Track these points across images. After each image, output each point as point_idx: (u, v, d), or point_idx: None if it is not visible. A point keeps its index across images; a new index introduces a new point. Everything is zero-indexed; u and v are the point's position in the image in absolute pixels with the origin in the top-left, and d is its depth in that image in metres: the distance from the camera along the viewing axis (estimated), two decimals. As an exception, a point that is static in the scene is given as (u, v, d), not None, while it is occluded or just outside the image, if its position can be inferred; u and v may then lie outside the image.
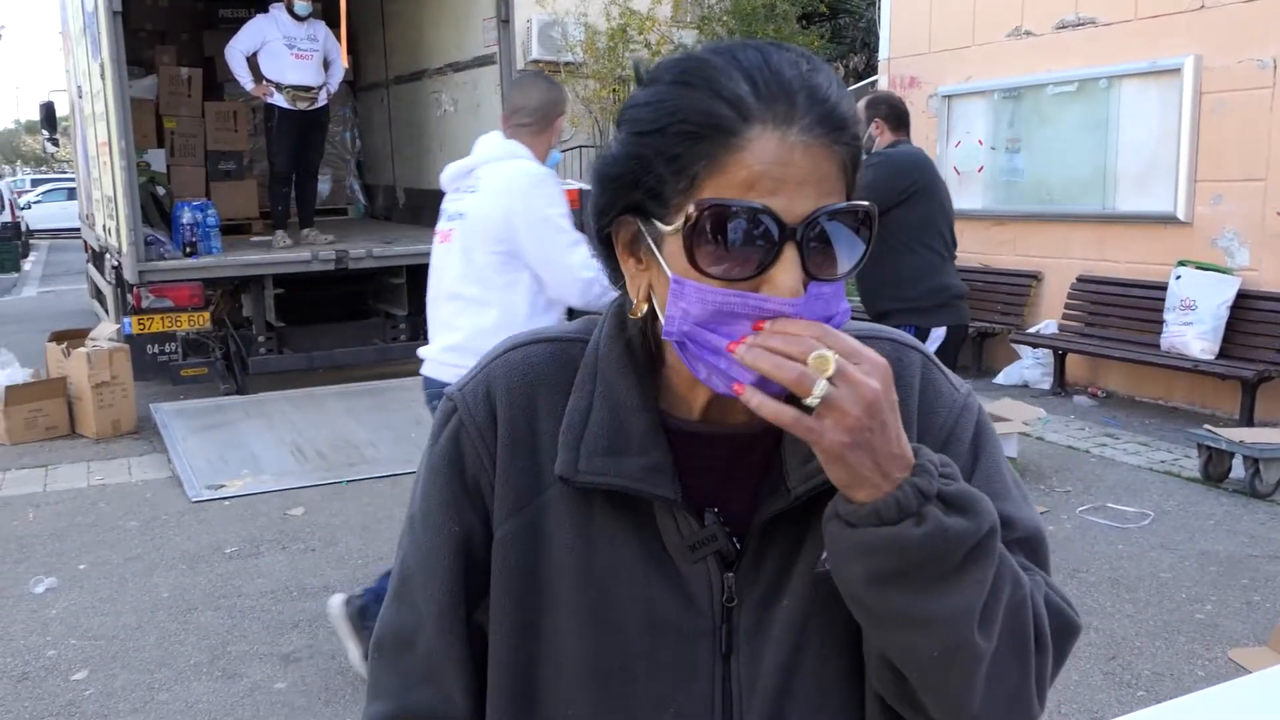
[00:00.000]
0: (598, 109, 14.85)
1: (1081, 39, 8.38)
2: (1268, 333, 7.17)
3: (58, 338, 8.09)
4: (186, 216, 7.92)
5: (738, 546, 1.01)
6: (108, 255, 8.78)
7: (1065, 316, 8.52)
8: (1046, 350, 8.53)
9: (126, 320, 7.66)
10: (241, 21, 8.62)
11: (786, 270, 0.87)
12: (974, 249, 9.12)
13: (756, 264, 0.87)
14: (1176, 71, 7.64)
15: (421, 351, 3.66)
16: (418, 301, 8.83)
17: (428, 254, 8.85)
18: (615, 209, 0.95)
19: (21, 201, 29.66)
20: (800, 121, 0.87)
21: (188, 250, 7.85)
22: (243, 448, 6.90)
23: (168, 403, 7.87)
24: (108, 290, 9.23)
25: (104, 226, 8.82)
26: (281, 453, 6.79)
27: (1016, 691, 0.95)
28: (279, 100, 8.32)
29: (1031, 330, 8.68)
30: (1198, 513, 5.53)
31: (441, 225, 3.66)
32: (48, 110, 13.24)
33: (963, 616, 0.89)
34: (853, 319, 0.96)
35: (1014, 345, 8.79)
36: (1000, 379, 8.82)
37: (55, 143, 14.35)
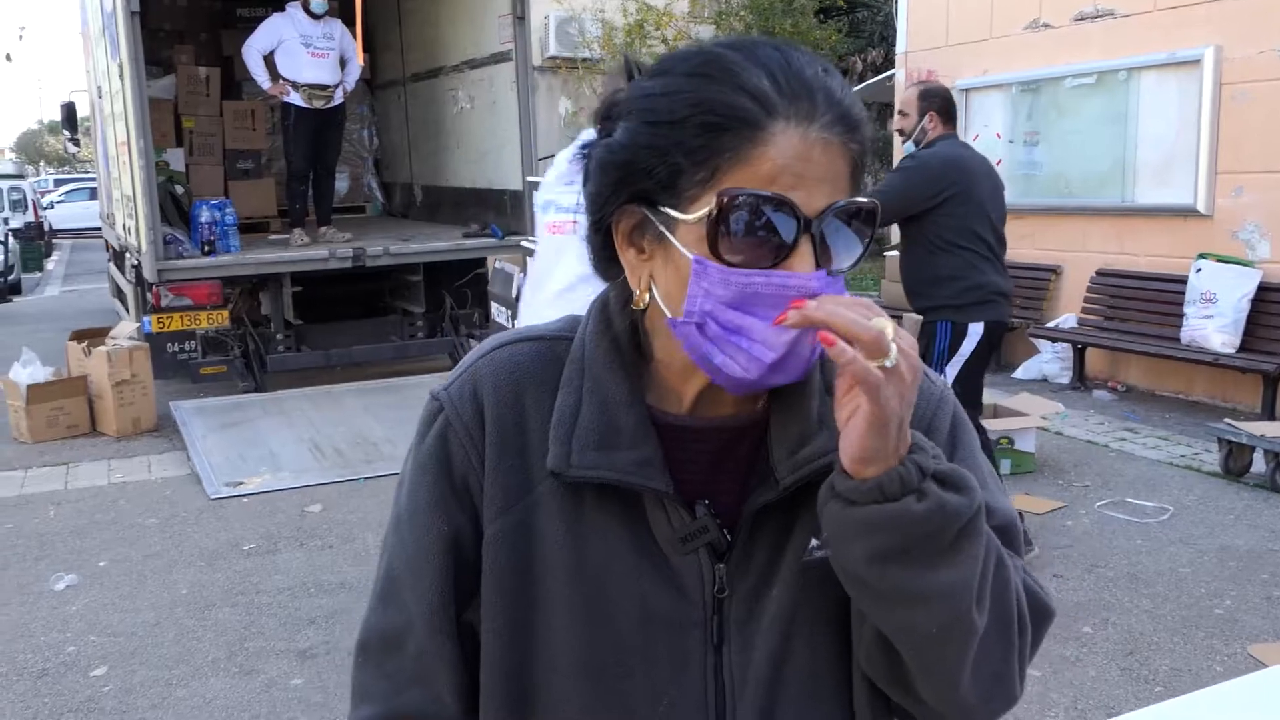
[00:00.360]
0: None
1: (1100, 31, 8.33)
2: (1289, 326, 7.11)
3: (78, 336, 8.15)
4: (205, 215, 7.97)
5: (728, 538, 1.02)
6: (128, 254, 8.84)
7: (1085, 310, 8.47)
8: (1066, 344, 8.48)
9: (146, 319, 7.72)
10: (259, 20, 8.66)
11: (803, 261, 0.90)
12: (992, 243, 9.05)
13: (774, 255, 0.89)
14: (1196, 62, 7.58)
15: None
16: (435, 298, 8.92)
17: (444, 251, 8.95)
18: (620, 197, 0.95)
19: (44, 201, 29.89)
20: (821, 119, 0.90)
21: (206, 249, 7.90)
22: (261, 445, 6.93)
23: (187, 400, 7.91)
24: (128, 289, 9.29)
25: (124, 226, 8.88)
26: (300, 450, 6.82)
27: (1000, 671, 0.98)
28: (295, 99, 8.36)
29: (1050, 324, 8.64)
30: (1218, 507, 5.49)
31: (553, 217, 3.59)
32: (69, 110, 13.34)
33: (960, 591, 0.90)
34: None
35: (1033, 339, 8.75)
36: (1019, 373, 8.77)
37: (76, 143, 14.48)
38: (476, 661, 1.06)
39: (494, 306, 7.60)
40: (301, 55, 8.32)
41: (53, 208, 30.41)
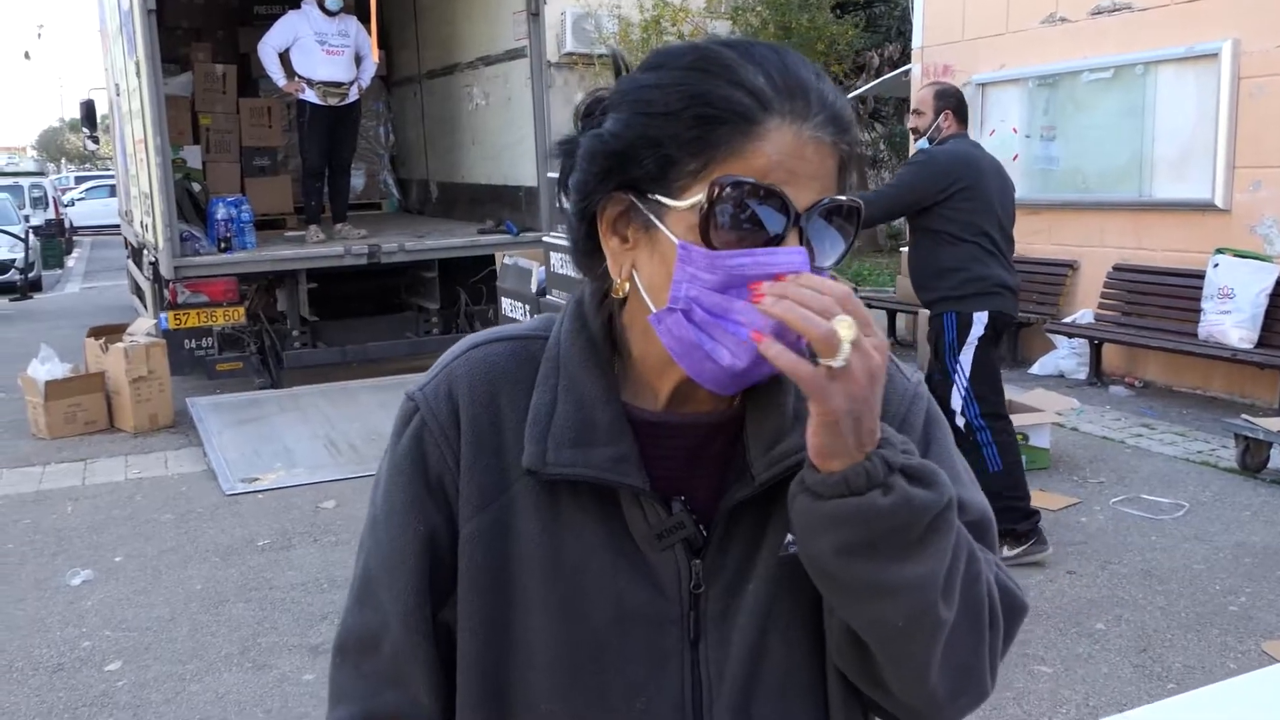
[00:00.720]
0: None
1: (1117, 25, 8.27)
2: (1308, 321, 7.06)
3: (96, 333, 8.20)
4: (221, 212, 8.01)
5: (704, 534, 1.02)
6: (146, 251, 8.89)
7: (1101, 306, 8.42)
8: (1082, 340, 8.43)
9: (163, 315, 7.77)
10: (275, 17, 8.69)
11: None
12: (1008, 238, 9.02)
13: (763, 245, 0.90)
14: (1214, 56, 7.52)
15: None
16: (450, 295, 8.93)
17: (459, 247, 8.96)
18: (608, 185, 0.96)
19: (65, 199, 30.10)
20: (814, 119, 0.92)
21: (222, 246, 7.94)
22: (276, 441, 6.97)
23: (203, 397, 7.96)
24: (146, 286, 9.35)
25: (142, 223, 8.93)
26: (315, 446, 6.85)
27: (970, 665, 0.98)
28: (310, 96, 8.39)
29: (1067, 320, 8.60)
30: (1234, 503, 5.46)
31: None
32: (88, 108, 13.43)
33: (927, 584, 0.91)
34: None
35: (1049, 335, 8.70)
36: (1035, 369, 8.73)
37: (95, 140, 14.57)
38: (453, 661, 1.06)
39: (505, 302, 7.62)
40: (316, 52, 8.35)
41: (73, 205, 30.63)
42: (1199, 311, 7.48)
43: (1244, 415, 6.29)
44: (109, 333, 8.18)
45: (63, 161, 64.78)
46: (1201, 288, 7.48)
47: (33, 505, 6.05)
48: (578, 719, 1.02)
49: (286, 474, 6.34)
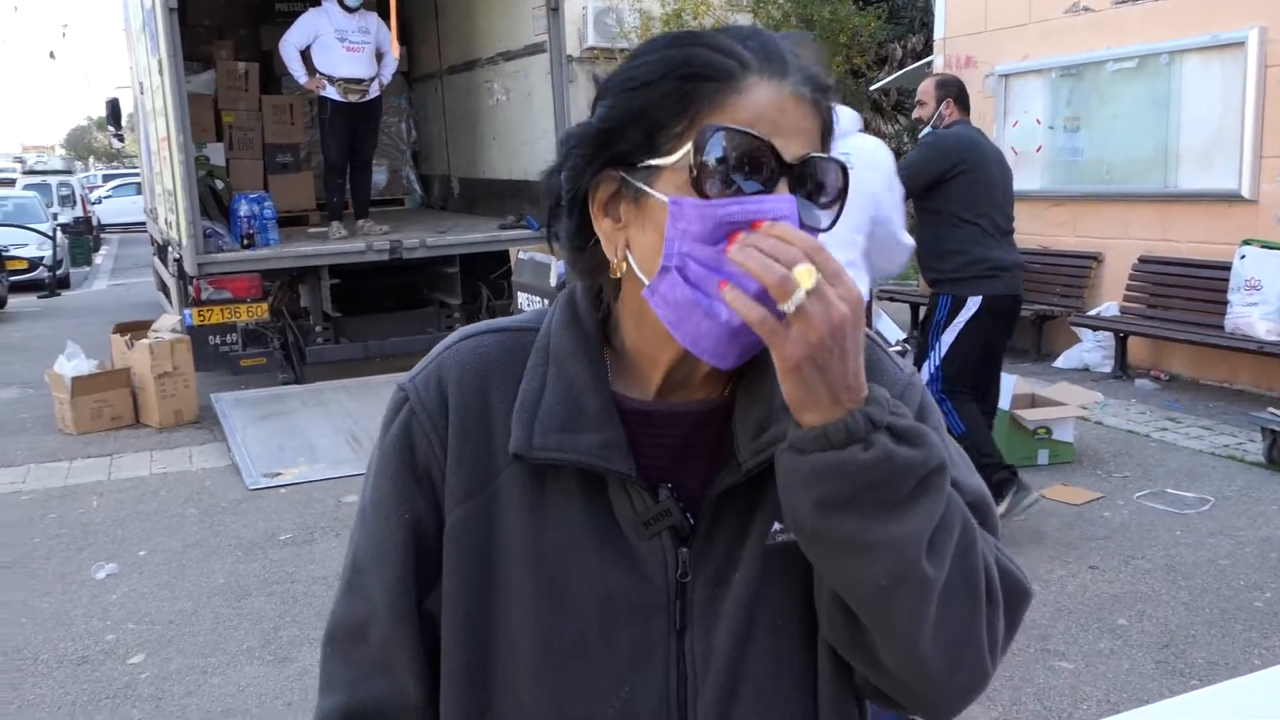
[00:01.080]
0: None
1: (1141, 14, 8.19)
2: (1337, 313, 6.97)
3: (121, 329, 8.27)
4: (244, 209, 8.05)
5: (691, 522, 1.02)
6: (170, 248, 8.95)
7: (1126, 298, 8.36)
8: (1107, 333, 8.37)
9: (187, 312, 7.82)
10: (297, 15, 8.72)
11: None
12: (1032, 230, 8.97)
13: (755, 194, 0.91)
14: (1240, 45, 7.44)
15: None
16: (471, 290, 8.96)
17: (481, 243, 8.97)
18: (596, 165, 0.97)
19: (93, 196, 30.35)
20: (792, 77, 0.94)
21: (245, 242, 7.98)
22: (299, 436, 7.01)
23: (228, 392, 8.01)
24: (171, 282, 9.41)
25: (166, 220, 8.99)
26: (337, 441, 6.88)
27: (967, 637, 0.96)
28: (331, 93, 8.42)
29: (1092, 313, 8.53)
30: (1260, 498, 5.40)
31: None
32: (113, 107, 13.53)
33: (909, 543, 0.90)
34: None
35: (1074, 328, 8.64)
36: (1060, 362, 8.67)
37: (121, 138, 14.67)
38: (438, 650, 1.06)
39: (521, 296, 7.62)
40: (337, 49, 8.37)
41: (101, 203, 30.83)
42: (1225, 304, 7.41)
43: (1271, 409, 6.22)
44: (134, 329, 8.25)
45: (90, 160, 65.34)
46: (1228, 279, 7.40)
47: (59, 500, 6.11)
48: (560, 708, 1.01)
49: (309, 469, 6.38)
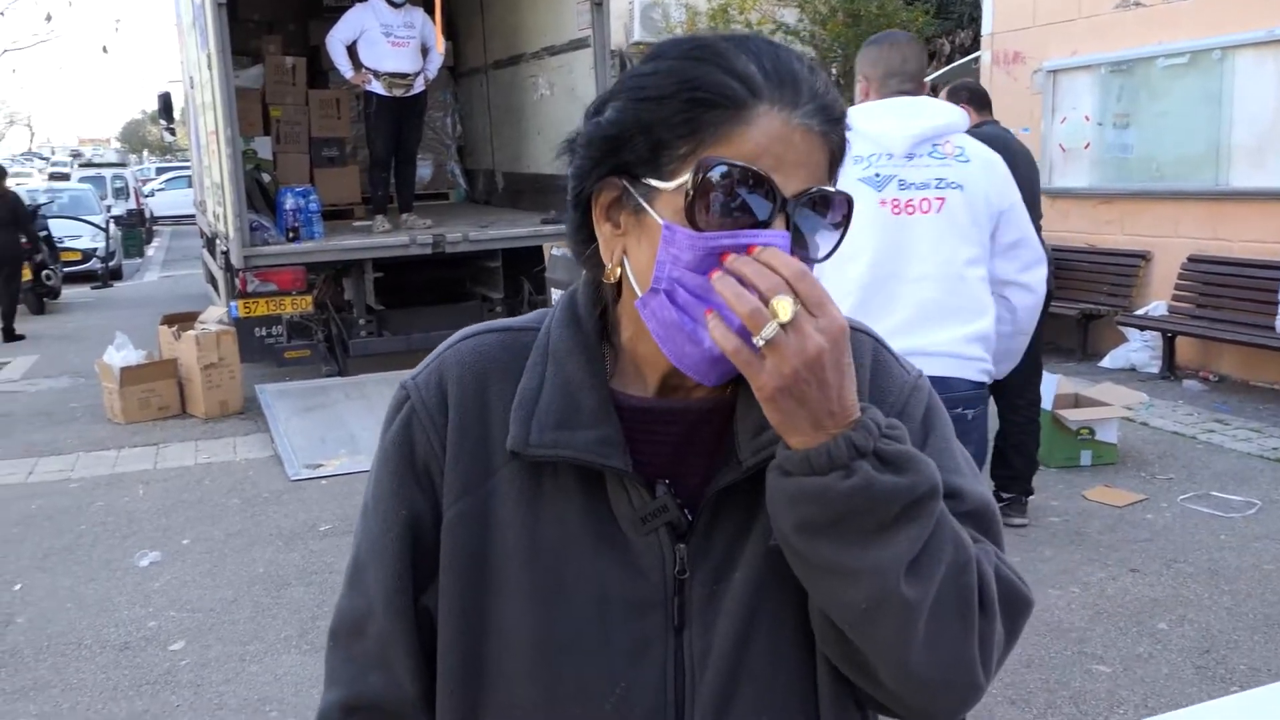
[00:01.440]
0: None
1: (1193, 8, 8.05)
2: (1392, 314, 6.82)
3: (169, 321, 8.40)
4: (290, 202, 8.12)
5: (689, 519, 1.02)
6: (218, 240, 9.07)
7: (1175, 298, 8.23)
8: (1155, 333, 8.24)
9: (233, 304, 7.91)
10: (344, 10, 8.78)
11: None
12: (1080, 228, 8.85)
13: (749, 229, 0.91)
14: (1296, 40, 7.30)
15: (915, 344, 2.79)
16: (513, 284, 9.00)
17: (523, 238, 9.01)
18: (602, 170, 0.97)
19: (146, 189, 30.82)
20: (804, 108, 0.93)
21: (290, 235, 8.05)
22: (342, 428, 7.07)
23: (272, 384, 8.10)
24: (219, 275, 9.53)
25: (214, 212, 9.10)
26: (379, 433, 6.92)
27: (959, 653, 0.96)
28: (376, 87, 8.47)
29: (1140, 312, 8.41)
30: (1309, 502, 5.31)
31: (903, 194, 3.18)
32: (165, 100, 13.71)
33: (890, 569, 0.90)
34: None
35: (1121, 328, 8.52)
36: (1106, 362, 8.55)
37: (172, 132, 14.87)
38: (434, 646, 1.07)
39: (554, 293, 7.65)
40: (382, 44, 8.43)
41: (153, 195, 31.31)
42: (1277, 304, 7.26)
43: (1322, 411, 6.11)
44: (182, 320, 8.38)
45: (144, 153, 66.32)
46: (1279, 280, 7.26)
47: (106, 488, 6.22)
48: (554, 705, 1.01)
49: (350, 460, 6.44)
